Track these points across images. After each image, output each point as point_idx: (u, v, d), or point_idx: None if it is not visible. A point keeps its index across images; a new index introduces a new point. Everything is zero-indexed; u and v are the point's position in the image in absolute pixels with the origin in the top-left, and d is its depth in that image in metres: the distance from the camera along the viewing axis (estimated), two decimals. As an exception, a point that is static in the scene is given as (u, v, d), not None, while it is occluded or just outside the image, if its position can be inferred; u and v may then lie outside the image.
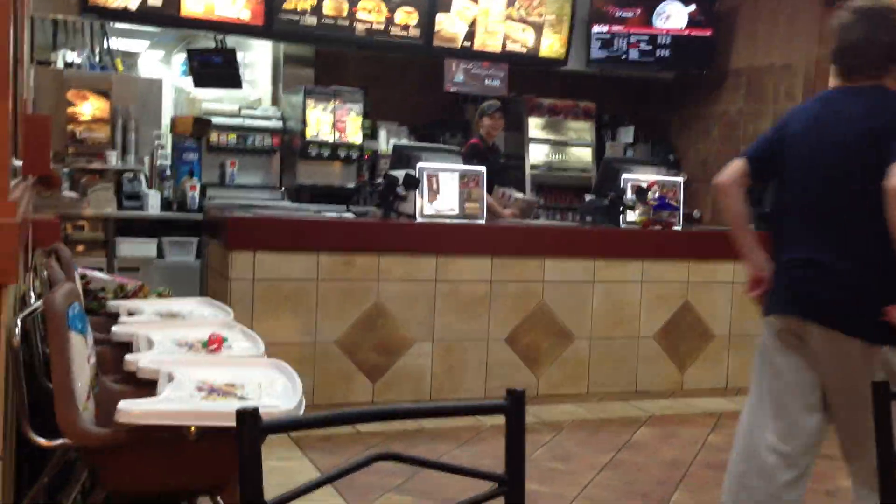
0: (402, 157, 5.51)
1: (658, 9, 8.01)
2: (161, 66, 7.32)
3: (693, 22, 8.02)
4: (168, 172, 6.55)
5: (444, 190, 5.26)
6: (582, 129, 8.40)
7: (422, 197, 5.15)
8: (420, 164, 5.20)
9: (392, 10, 7.12)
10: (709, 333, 5.66)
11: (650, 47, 8.04)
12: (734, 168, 2.80)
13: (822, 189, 2.61)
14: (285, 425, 1.37)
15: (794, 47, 7.48)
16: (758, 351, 2.94)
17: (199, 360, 2.51)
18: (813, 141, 2.64)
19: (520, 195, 6.28)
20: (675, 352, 5.59)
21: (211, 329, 2.84)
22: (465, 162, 5.62)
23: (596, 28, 8.01)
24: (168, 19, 6.47)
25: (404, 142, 7.21)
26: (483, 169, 5.38)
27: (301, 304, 4.76)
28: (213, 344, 2.70)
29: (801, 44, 7.44)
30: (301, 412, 2.08)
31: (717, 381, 5.68)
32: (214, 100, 7.23)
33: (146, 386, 2.29)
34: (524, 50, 7.71)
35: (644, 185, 5.63)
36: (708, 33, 8.03)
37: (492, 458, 3.99)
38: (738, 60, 8.05)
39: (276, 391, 2.23)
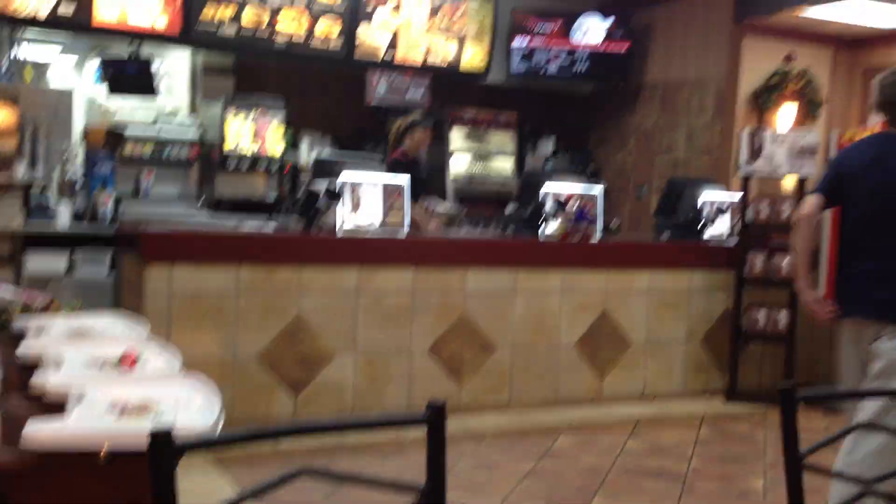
0: (324, 169, 5.48)
1: (576, 23, 8.17)
2: (72, 74, 7.11)
3: (610, 36, 8.20)
4: (80, 185, 6.36)
5: (367, 201, 5.25)
6: (503, 140, 8.49)
7: (344, 208, 5.12)
8: (342, 176, 5.18)
9: (314, 21, 7.09)
10: (626, 341, 5.78)
11: (569, 61, 8.19)
12: (812, 203, 3.42)
13: (887, 214, 3.26)
14: (200, 444, 1.34)
15: (707, 63, 7.73)
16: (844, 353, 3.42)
17: (112, 379, 2.44)
18: (876, 175, 3.28)
19: (442, 207, 6.31)
20: (595, 360, 5.68)
21: (124, 345, 2.76)
22: (394, 173, 5.61)
23: (516, 42, 8.13)
24: (81, 27, 6.31)
25: (326, 153, 7.17)
26: (406, 180, 5.39)
27: (220, 318, 4.68)
28: (127, 361, 2.63)
29: (714, 59, 7.69)
30: (219, 429, 2.04)
31: (635, 388, 5.80)
32: (129, 110, 7.05)
33: (55, 407, 2.22)
34: (446, 62, 7.76)
35: (563, 196, 5.72)
36: (624, 48, 8.22)
37: (415, 470, 3.98)
38: (654, 74, 8.26)
39: (194, 408, 2.18)
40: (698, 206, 6.28)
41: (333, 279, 4.95)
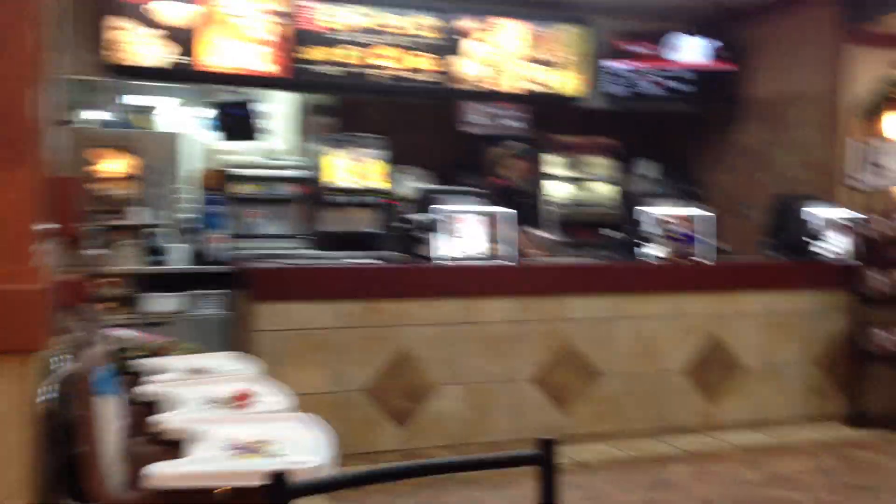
0: (425, 202, 5.54)
1: (673, 43, 8.04)
2: (179, 117, 7.44)
3: (710, 54, 8.04)
4: (193, 226, 6.64)
5: (468, 232, 5.28)
6: (604, 165, 8.41)
7: (445, 240, 5.16)
8: (444, 208, 5.23)
9: (409, 56, 7.23)
10: (737, 365, 5.59)
11: (667, 82, 8.06)
12: None
13: None
14: (313, 488, 1.37)
15: (811, 75, 7.48)
16: None
17: (226, 418, 2.52)
18: None
19: (544, 234, 6.30)
20: (705, 385, 5.52)
21: (238, 384, 2.86)
22: (494, 203, 5.64)
23: (613, 64, 8.06)
24: (195, 75, 6.60)
25: (427, 186, 7.26)
26: (512, 210, 5.38)
27: (327, 352, 4.77)
28: (241, 399, 2.71)
29: (818, 71, 7.43)
30: (331, 466, 2.07)
31: (748, 414, 5.60)
32: (235, 151, 7.34)
33: (173, 445, 2.31)
34: (542, 89, 7.76)
35: (666, 218, 5.62)
36: (725, 65, 8.05)
37: (526, 501, 3.95)
38: (757, 91, 8.05)
39: (306, 446, 2.23)
40: (807, 223, 6.05)
41: (437, 310, 4.99)
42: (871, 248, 5.71)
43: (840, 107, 7.39)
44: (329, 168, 7.20)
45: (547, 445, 1.47)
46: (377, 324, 4.88)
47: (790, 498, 4.23)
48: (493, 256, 5.27)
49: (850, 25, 7.31)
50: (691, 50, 8.06)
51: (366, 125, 7.60)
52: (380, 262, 5.59)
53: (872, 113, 7.62)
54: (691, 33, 8.07)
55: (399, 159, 7.72)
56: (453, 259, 5.16)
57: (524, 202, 6.55)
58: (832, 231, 5.98)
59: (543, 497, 1.51)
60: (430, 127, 8.05)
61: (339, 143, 7.27)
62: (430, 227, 5.12)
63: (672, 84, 8.11)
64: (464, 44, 7.43)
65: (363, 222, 7.27)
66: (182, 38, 6.54)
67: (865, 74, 7.48)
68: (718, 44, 8.03)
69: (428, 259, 5.19)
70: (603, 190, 8.40)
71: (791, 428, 5.53)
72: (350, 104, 7.74)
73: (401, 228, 5.78)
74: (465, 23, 7.44)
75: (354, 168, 7.30)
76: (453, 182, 7.33)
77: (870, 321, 5.65)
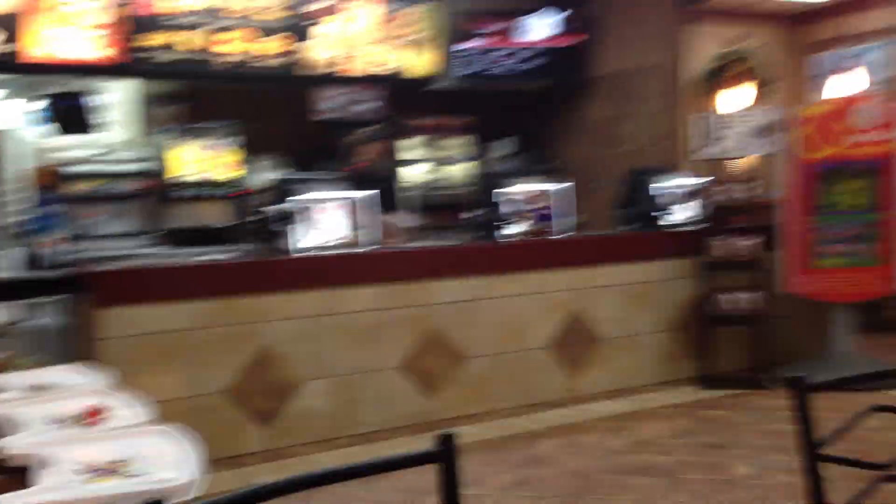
0: (282, 191, 5.37)
1: (523, 21, 8.14)
2: (4, 111, 6.90)
3: (558, 31, 8.19)
4: (28, 228, 6.16)
5: (327, 220, 5.15)
6: (461, 145, 8.44)
7: (303, 229, 5.02)
8: (301, 196, 5.08)
9: (256, 40, 6.97)
10: (597, 337, 5.74)
11: (518, 60, 8.16)
12: None
13: None
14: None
15: (654, 50, 7.75)
16: None
17: (77, 437, 2.32)
18: None
19: (405, 219, 6.25)
20: (567, 359, 5.64)
21: (87, 398, 2.64)
22: (353, 189, 5.53)
23: (464, 44, 8.07)
24: (21, 66, 6.14)
25: (282, 174, 7.05)
26: (372, 195, 5.28)
27: (182, 356, 4.54)
28: (92, 416, 2.51)
29: (660, 47, 7.70)
30: (201, 479, 1.93)
31: (610, 384, 5.76)
32: (69, 146, 6.87)
33: (21, 473, 2.10)
34: (395, 71, 7.68)
35: (526, 196, 5.68)
36: (573, 42, 8.21)
37: (422, 485, 3.90)
38: (603, 66, 8.26)
39: (171, 461, 2.07)
40: (656, 194, 6.27)
41: (298, 303, 4.85)
42: (715, 216, 5.98)
43: (681, 81, 7.70)
44: (176, 160, 6.87)
45: (447, 440, 1.39)
46: (236, 321, 4.69)
47: (654, 461, 4.38)
48: (354, 244, 5.17)
49: (686, 3, 7.61)
50: (541, 27, 8.18)
51: (215, 113, 7.30)
52: (236, 256, 5.38)
53: (709, 87, 7.99)
54: (540, 9, 8.18)
55: (252, 148, 7.46)
56: (313, 249, 5.03)
57: (383, 186, 6.46)
58: (680, 201, 6.23)
59: (446, 493, 1.44)
60: (283, 113, 7.82)
61: (186, 133, 6.94)
62: (288, 218, 4.96)
63: (523, 62, 8.22)
64: (314, 26, 7.24)
65: (215, 216, 6.99)
66: (6, 25, 6.04)
67: (703, 50, 7.83)
68: (566, 18, 8.17)
69: (287, 251, 5.03)
70: (461, 171, 8.42)
71: (650, 394, 5.74)
72: (197, 92, 7.40)
73: (257, 220, 5.59)
74: (314, 4, 7.24)
75: (203, 159, 7.00)
76: (310, 170, 7.16)
77: (716, 286, 5.92)
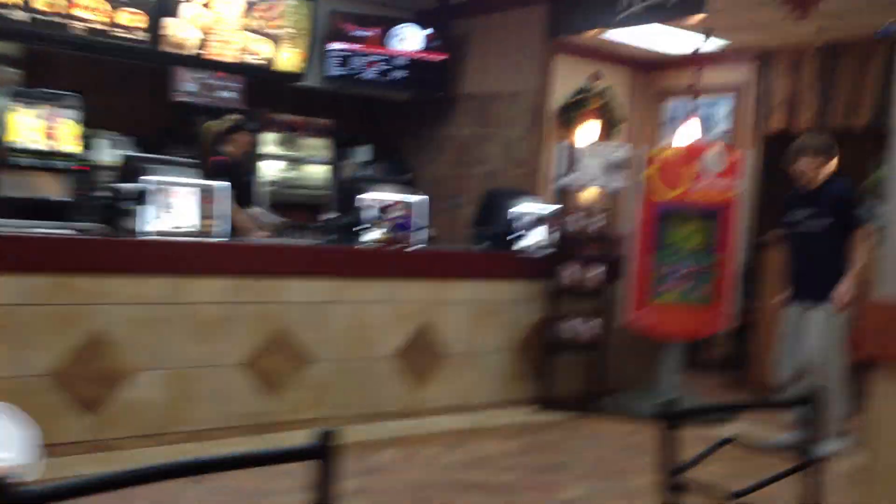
0: (128, 170, 5.07)
1: (394, 31, 8.13)
2: None
3: (428, 45, 8.22)
4: None
5: (178, 206, 4.90)
6: (319, 146, 8.30)
7: (151, 213, 4.75)
8: (150, 178, 4.81)
9: (115, 10, 6.59)
10: (445, 352, 5.76)
11: (386, 68, 8.13)
12: None
13: None
14: (32, 498, 1.08)
15: (522, 77, 7.92)
16: None
17: None
18: None
19: (267, 215, 6.09)
20: (414, 371, 5.62)
21: None
22: (207, 177, 5.29)
23: (333, 45, 7.97)
24: None
25: (129, 153, 6.68)
26: (225, 185, 5.08)
27: (6, 332, 4.18)
28: None
29: (528, 74, 7.89)
30: (36, 461, 1.76)
31: (454, 399, 5.79)
32: None
33: None
34: (260, 63, 7.47)
35: (384, 203, 5.63)
36: (441, 58, 8.27)
37: (234, 492, 3.73)
38: (470, 86, 8.37)
39: (5, 439, 1.88)
40: (513, 216, 6.38)
41: (140, 288, 4.58)
42: (566, 243, 6.15)
43: (544, 109, 7.92)
44: (12, 125, 6.37)
45: (326, 437, 1.32)
46: (69, 301, 4.37)
47: (490, 479, 4.41)
48: (205, 233, 4.94)
49: (555, 35, 7.84)
50: (410, 38, 8.19)
51: (61, 82, 6.83)
52: (74, 233, 5.02)
53: (570, 119, 8.25)
54: (411, 22, 8.20)
55: (98, 122, 7.04)
56: (161, 234, 4.77)
57: (240, 179, 6.25)
58: (535, 225, 6.36)
59: (322, 491, 1.36)
60: (136, 90, 7.44)
61: (23, 99, 6.45)
62: (137, 198, 4.68)
63: (389, 70, 8.20)
64: (181, 5, 6.93)
65: (53, 189, 6.52)
66: None
67: (568, 82, 8.08)
68: (434, 34, 8.23)
69: (132, 232, 4.74)
70: (317, 171, 8.29)
71: (492, 412, 5.80)
72: (40, 57, 6.91)
73: (102, 198, 5.24)
74: (183, -19, 6.94)
75: (43, 128, 6.53)
76: (162, 151, 6.82)
77: (560, 312, 6.08)
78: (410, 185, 8.25)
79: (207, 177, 5.23)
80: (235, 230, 5.21)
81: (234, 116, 6.03)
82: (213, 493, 3.79)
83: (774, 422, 5.36)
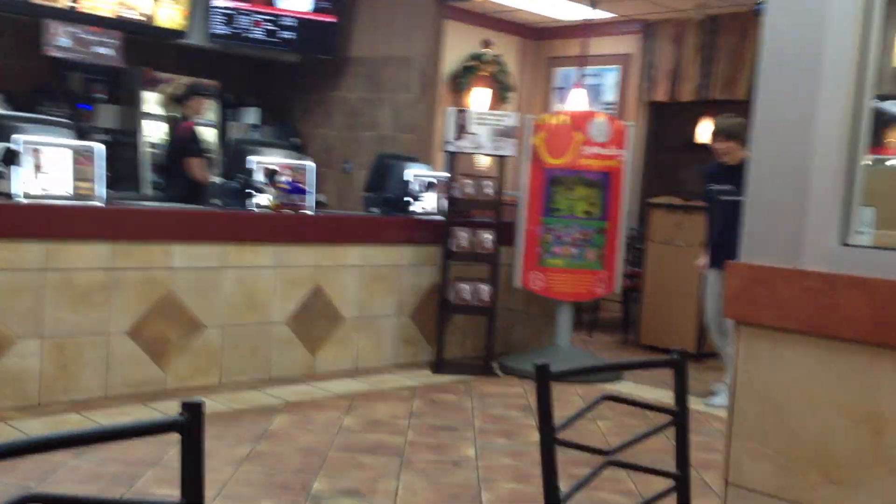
0: (2, 128, 4.78)
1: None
2: None
3: (317, 6, 8.06)
4: None
5: (52, 167, 4.65)
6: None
7: (23, 173, 4.50)
8: (21, 138, 4.55)
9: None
10: (339, 316, 5.73)
11: (274, 27, 7.93)
12: None
13: None
14: None
15: (412, 41, 7.87)
16: None
17: None
18: None
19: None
20: (307, 336, 5.57)
21: None
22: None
23: (218, 2, 7.70)
24: None
25: (4, 111, 6.30)
26: (99, 145, 4.85)
27: None
28: None
29: (418, 38, 7.84)
30: None
31: (348, 364, 5.78)
32: None
33: None
34: (140, 18, 7.14)
35: (275, 168, 5.52)
36: (330, 19, 8.12)
37: (123, 463, 3.63)
38: (360, 49, 8.26)
39: None
40: (405, 181, 6.37)
41: (12, 253, 4.34)
42: (456, 208, 6.19)
43: (436, 74, 7.90)
44: None
45: (194, 411, 1.28)
46: (-65, 268, 4.11)
47: (386, 441, 4.43)
48: (81, 196, 4.72)
49: (446, 0, 7.82)
50: (300, -1, 8.00)
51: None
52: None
53: (462, 85, 8.27)
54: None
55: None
56: (37, 196, 4.53)
57: (121, 139, 6.01)
58: (426, 190, 6.37)
59: (188, 464, 1.33)
60: (7, 45, 7.00)
61: None
62: (8, 159, 4.42)
63: (276, 30, 8.00)
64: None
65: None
66: None
67: (459, 47, 8.08)
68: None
69: (3, 195, 4.48)
70: (203, 133, 8.02)
71: (385, 375, 5.82)
72: None
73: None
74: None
75: None
76: (34, 109, 6.46)
77: (454, 276, 6.13)
78: (299, 150, 8.12)
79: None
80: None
81: (188, 80, 5.97)
82: (98, 463, 3.66)
83: (656, 380, 5.60)
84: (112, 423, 4.17)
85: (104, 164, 4.83)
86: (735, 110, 6.31)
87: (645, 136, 8.73)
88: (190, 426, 1.34)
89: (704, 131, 8.87)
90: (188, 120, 5.98)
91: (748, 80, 7.50)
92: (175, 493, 1.31)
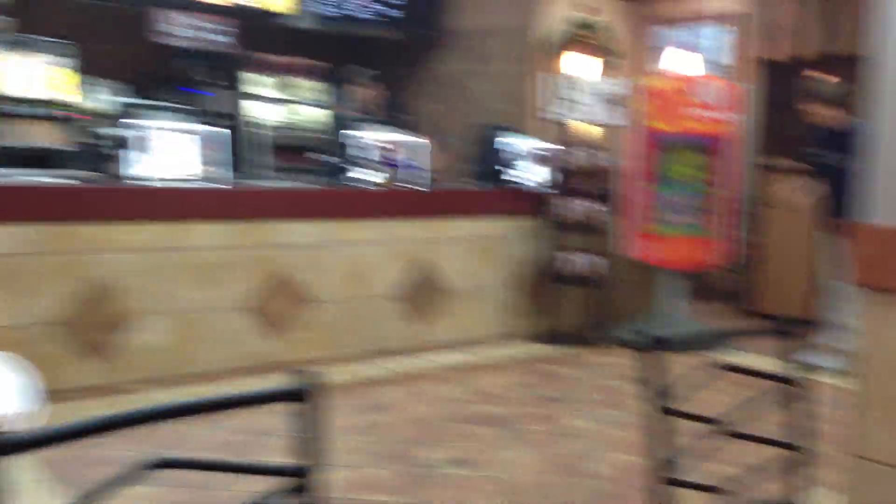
0: (128, 116, 5.05)
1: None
2: None
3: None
4: None
5: (174, 151, 4.89)
6: (315, 88, 8.22)
7: (146, 158, 4.74)
8: (147, 124, 4.79)
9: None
10: (446, 289, 5.80)
11: (381, 6, 8.01)
12: None
13: None
14: (31, 443, 1.11)
15: (512, 10, 7.81)
16: None
17: None
18: None
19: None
20: (416, 309, 5.67)
21: None
22: (201, 121, 5.30)
23: (324, -16, 7.82)
24: None
25: (125, 100, 6.63)
26: (227, 132, 5.05)
27: (7, 282, 4.22)
28: None
29: (518, 7, 7.77)
30: (42, 409, 1.79)
31: (456, 335, 5.84)
32: None
33: None
34: (253, 4, 7.36)
35: (385, 145, 5.61)
36: (435, -6, 8.14)
37: (247, 432, 3.81)
38: (465, 22, 8.26)
39: (5, 389, 1.91)
40: (504, 152, 6.36)
41: (139, 235, 4.60)
42: (563, 178, 6.14)
43: (532, 42, 7.81)
44: (2, 74, 6.31)
45: (313, 381, 1.34)
46: (70, 250, 4.40)
47: (494, 412, 4.49)
48: (201, 178, 4.94)
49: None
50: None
51: (49, 28, 6.74)
52: (71, 181, 5.02)
53: (559, 50, 8.15)
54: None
55: (89, 69, 6.96)
56: (158, 180, 4.77)
57: (232, 123, 6.22)
58: (527, 160, 6.34)
59: (310, 432, 1.39)
60: (125, 35, 7.33)
61: (15, 47, 6.37)
62: (131, 145, 4.67)
63: (381, 8, 8.07)
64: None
65: (46, 137, 6.48)
66: None
67: (554, 13, 7.96)
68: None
69: (128, 179, 4.74)
70: (313, 113, 8.22)
71: (492, 347, 5.87)
72: (30, 2, 6.80)
73: (95, 145, 5.23)
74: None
75: (35, 76, 6.46)
76: (154, 97, 6.77)
77: (560, 246, 6.10)
78: (409, 126, 8.20)
79: (196, 120, 5.23)
80: None
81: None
82: (229, 432, 3.85)
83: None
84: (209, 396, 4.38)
85: (230, 148, 5.03)
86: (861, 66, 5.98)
87: (765, 98, 8.39)
88: (310, 397, 1.40)
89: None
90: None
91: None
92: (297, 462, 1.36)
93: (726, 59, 8.68)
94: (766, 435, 1.85)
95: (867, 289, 2.07)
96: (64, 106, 6.55)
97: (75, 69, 6.58)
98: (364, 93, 6.14)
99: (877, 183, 2.03)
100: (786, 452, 1.86)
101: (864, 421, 2.10)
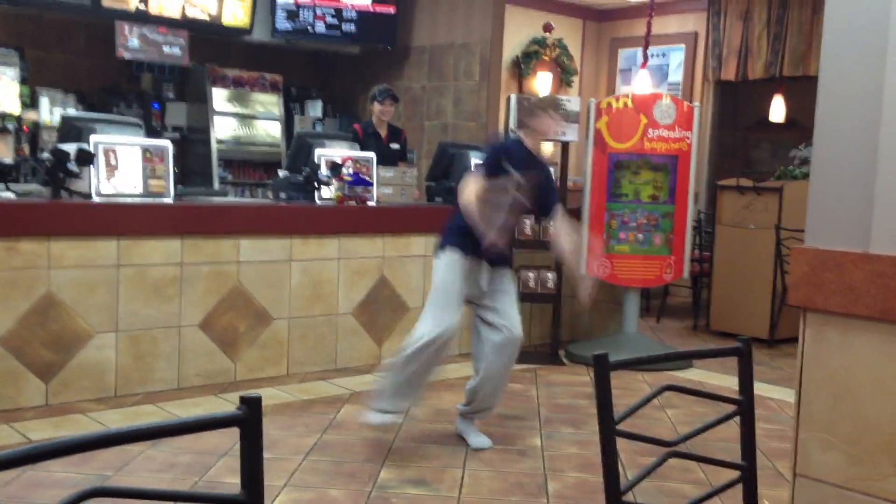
0: (73, 129, 4.93)
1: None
2: None
3: (376, -2, 8.09)
4: None
5: (124, 166, 4.79)
6: (269, 101, 8.17)
7: (97, 174, 4.64)
8: (95, 138, 4.69)
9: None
10: (404, 306, 5.76)
11: (336, 20, 7.99)
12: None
13: None
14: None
15: (472, 28, 7.84)
16: None
17: None
18: None
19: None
20: (373, 326, 5.62)
21: None
22: (153, 135, 5.21)
23: (280, -2, 7.79)
24: None
25: (73, 112, 6.50)
26: (168, 143, 4.97)
27: (-47, 298, 4.08)
28: None
29: (478, 25, 7.81)
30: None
31: (413, 353, 5.79)
32: None
33: None
34: (206, 17, 7.28)
35: (338, 160, 5.57)
36: (392, 10, 8.14)
37: (197, 453, 3.72)
38: (421, 38, 8.27)
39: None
40: (468, 170, 6.34)
41: (89, 251, 4.49)
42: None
43: (498, 62, 7.85)
44: (-51, 84, 6.15)
45: (252, 405, 1.30)
46: (17, 266, 4.28)
47: (452, 430, 4.45)
48: (152, 193, 4.85)
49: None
50: (361, -9, 8.05)
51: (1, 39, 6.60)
52: (17, 196, 4.88)
53: (524, 70, 8.20)
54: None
55: (39, 80, 6.83)
56: (106, 195, 4.66)
57: (190, 136, 6.14)
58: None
59: (249, 457, 1.35)
60: (79, 47, 7.22)
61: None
62: (83, 159, 4.56)
63: (337, 23, 8.06)
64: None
65: (-7, 150, 6.33)
66: None
67: (521, 32, 8.01)
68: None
69: (79, 194, 4.63)
70: (269, 127, 8.15)
71: (450, 365, 5.79)
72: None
73: (45, 159, 5.09)
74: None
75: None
76: (106, 109, 6.65)
77: (521, 263, 6.09)
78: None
79: (153, 134, 5.13)
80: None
81: (378, 87, 6.29)
82: (172, 453, 3.76)
83: (728, 367, 5.48)
84: (184, 413, 4.29)
85: (172, 161, 4.94)
86: (808, 87, 6.10)
87: (714, 117, 8.54)
88: (249, 421, 1.36)
89: (777, 109, 8.63)
90: (356, 123, 6.26)
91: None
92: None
93: (678, 78, 8.83)
94: (722, 455, 1.85)
95: (802, 309, 2.11)
96: (9, 117, 6.40)
97: (22, 80, 6.44)
98: (383, 109, 6.21)
99: (811, 206, 2.07)
100: (735, 472, 1.86)
101: (801, 439, 2.12)
